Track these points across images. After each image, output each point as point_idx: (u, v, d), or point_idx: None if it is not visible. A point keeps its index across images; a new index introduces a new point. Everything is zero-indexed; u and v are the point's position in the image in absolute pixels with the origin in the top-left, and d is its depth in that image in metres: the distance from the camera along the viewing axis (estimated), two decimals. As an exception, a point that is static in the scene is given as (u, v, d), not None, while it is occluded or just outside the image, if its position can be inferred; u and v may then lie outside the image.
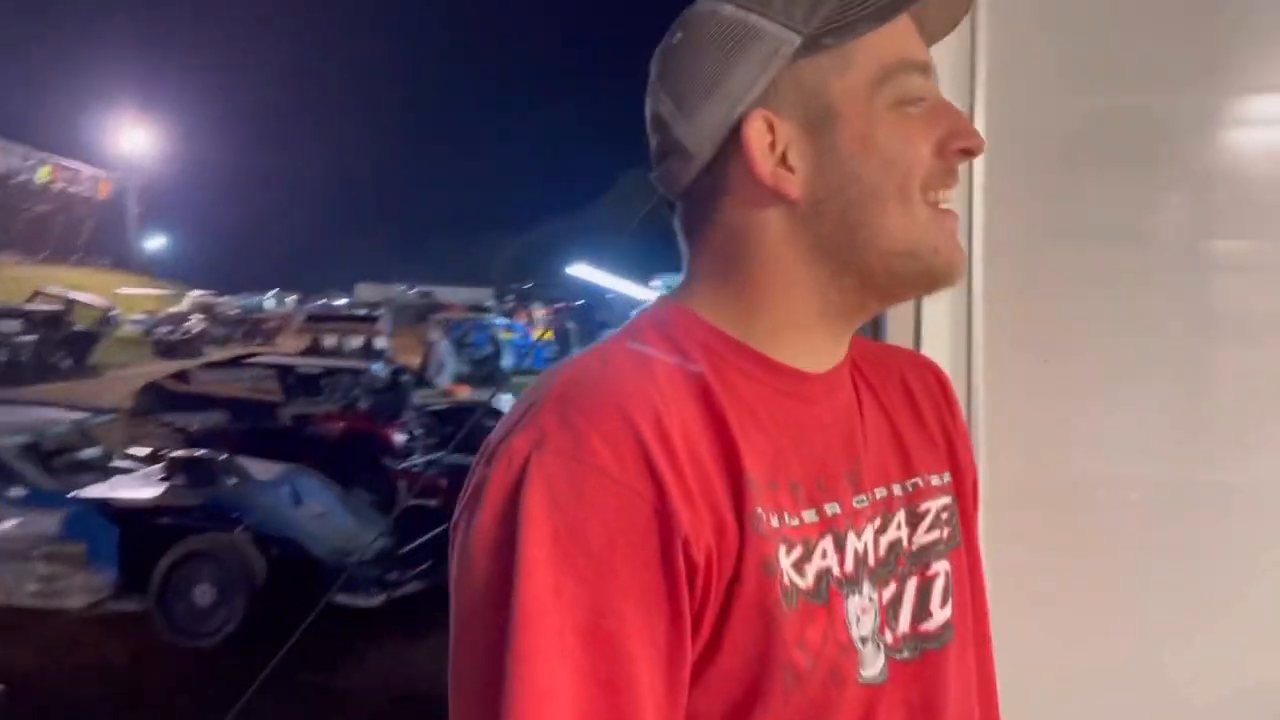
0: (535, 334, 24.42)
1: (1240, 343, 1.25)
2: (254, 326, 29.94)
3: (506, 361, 21.40)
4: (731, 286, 0.81)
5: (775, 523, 0.74)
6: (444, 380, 15.07)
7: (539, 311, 25.72)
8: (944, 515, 0.87)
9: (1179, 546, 1.21)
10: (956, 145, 0.78)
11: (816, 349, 0.82)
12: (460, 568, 0.71)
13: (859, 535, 0.79)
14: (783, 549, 0.74)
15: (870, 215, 0.77)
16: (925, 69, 0.79)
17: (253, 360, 12.66)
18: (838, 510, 0.78)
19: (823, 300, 0.80)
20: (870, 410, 0.86)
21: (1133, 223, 1.27)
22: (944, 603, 0.84)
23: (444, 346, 18.44)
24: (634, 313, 0.85)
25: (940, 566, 0.85)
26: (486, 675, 0.66)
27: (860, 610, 0.77)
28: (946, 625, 0.84)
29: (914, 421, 0.89)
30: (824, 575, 0.75)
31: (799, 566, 0.74)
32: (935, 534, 0.85)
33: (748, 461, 0.73)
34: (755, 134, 0.77)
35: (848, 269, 0.79)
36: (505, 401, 11.42)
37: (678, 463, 0.70)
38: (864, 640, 0.77)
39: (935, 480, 0.87)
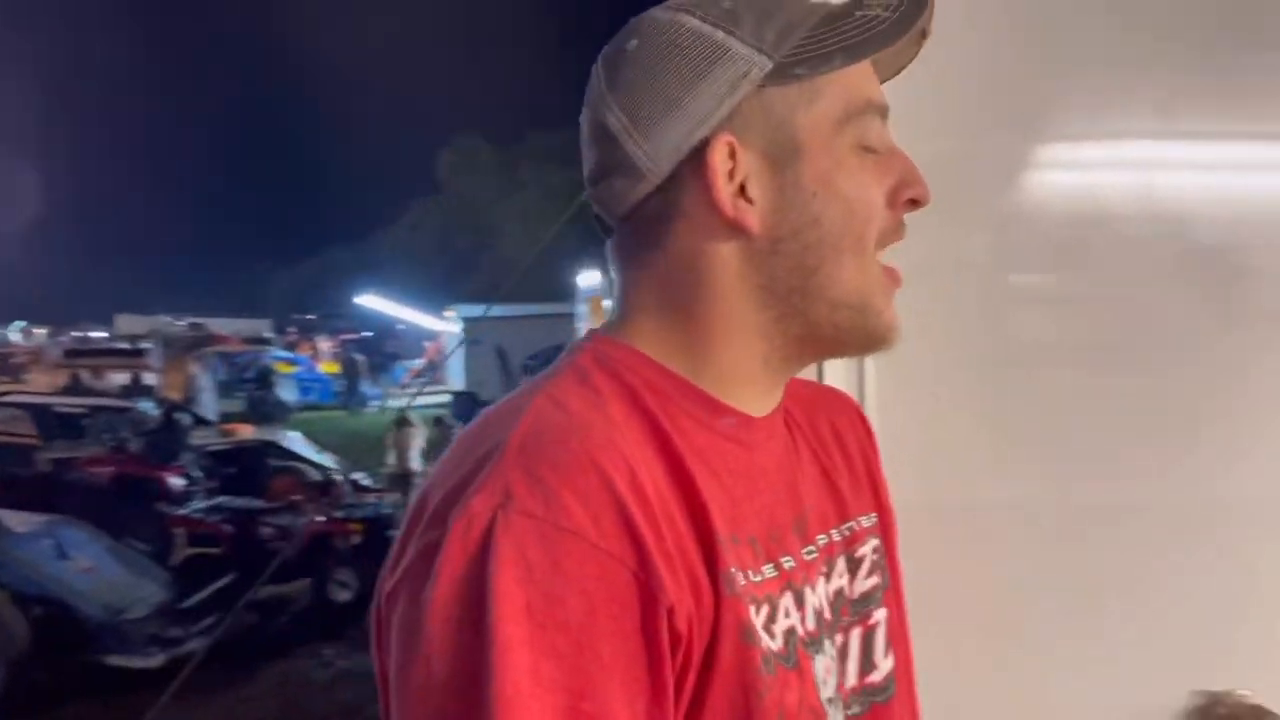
0: (320, 367, 23.48)
1: (1052, 366, 1.32)
2: (-1, 362, 27.25)
3: (289, 396, 20.45)
4: (679, 323, 0.75)
5: (743, 581, 0.69)
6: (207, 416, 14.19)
7: (324, 343, 24.70)
8: (876, 558, 0.85)
9: (1061, 569, 1.26)
10: (906, 195, 0.76)
11: (760, 392, 0.78)
12: (408, 647, 0.62)
13: (814, 589, 0.77)
14: (753, 609, 0.69)
15: (826, 261, 0.74)
16: (885, 113, 0.77)
17: (2, 400, 11.51)
18: (793, 564, 0.75)
19: (768, 345, 0.76)
20: (804, 453, 0.83)
21: (957, 259, 1.32)
22: (887, 652, 0.82)
23: (203, 380, 17.44)
24: (567, 347, 0.79)
25: (880, 614, 0.83)
26: None
27: (825, 670, 0.75)
28: (890, 676, 0.82)
29: (844, 463, 0.87)
30: (790, 636, 0.72)
31: (768, 628, 0.70)
32: (873, 579, 0.84)
33: (714, 515, 0.69)
34: (719, 159, 0.72)
35: (795, 315, 0.75)
36: (293, 440, 10.86)
37: (655, 521, 0.65)
38: (830, 701, 0.75)
39: (866, 522, 0.86)
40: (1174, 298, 1.30)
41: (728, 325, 0.75)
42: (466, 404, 15.21)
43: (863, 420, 0.93)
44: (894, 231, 0.76)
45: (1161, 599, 1.25)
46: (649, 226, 0.76)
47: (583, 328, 11.74)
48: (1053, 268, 1.33)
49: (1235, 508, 1.27)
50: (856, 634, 0.80)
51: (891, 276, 0.77)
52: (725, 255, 0.74)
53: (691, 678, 0.66)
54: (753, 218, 0.73)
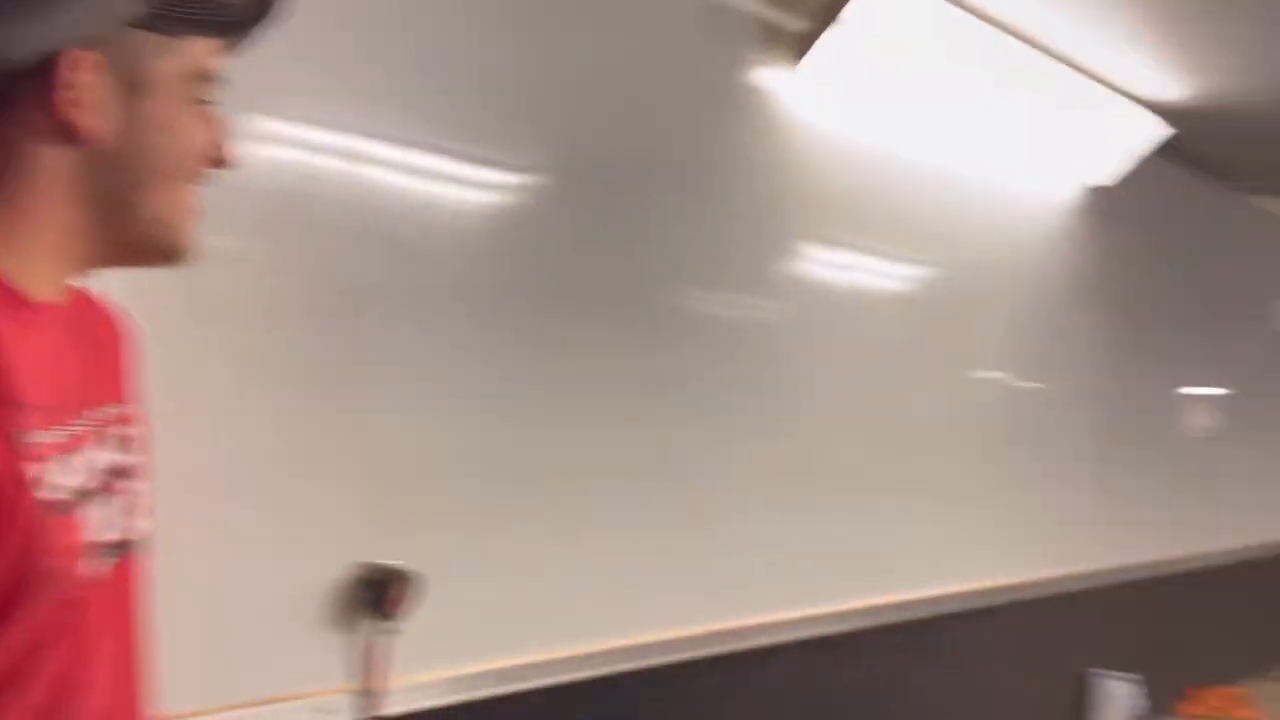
0: None
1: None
2: None
3: None
4: None
5: (28, 440, 0.78)
6: None
7: None
8: (139, 443, 0.98)
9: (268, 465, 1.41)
10: (216, 153, 0.91)
11: (55, 283, 0.87)
12: None
13: (91, 454, 0.87)
14: (38, 466, 0.78)
15: (148, 182, 0.86)
16: (217, 80, 0.91)
17: None
18: (76, 431, 0.85)
19: (79, 244, 0.86)
20: (83, 342, 0.93)
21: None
22: (144, 516, 0.96)
23: None
24: None
25: (141, 485, 0.97)
26: None
27: (96, 519, 0.86)
28: (144, 535, 0.96)
29: (112, 357, 0.99)
30: (69, 489, 0.82)
31: (51, 481, 0.79)
32: (138, 457, 0.97)
33: (3, 381, 0.76)
34: (77, 72, 0.81)
35: (109, 223, 0.86)
36: None
37: None
38: (100, 545, 0.86)
39: (130, 410, 0.98)
40: (375, 271, 1.55)
41: (43, 220, 0.84)
42: None
43: (126, 328, 1.05)
44: (201, 176, 0.91)
45: (325, 498, 1.48)
46: None
47: None
48: (259, 233, 1.45)
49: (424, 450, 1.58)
50: (121, 499, 0.93)
51: (196, 208, 0.91)
52: (53, 157, 0.83)
53: None
54: (98, 132, 0.83)
